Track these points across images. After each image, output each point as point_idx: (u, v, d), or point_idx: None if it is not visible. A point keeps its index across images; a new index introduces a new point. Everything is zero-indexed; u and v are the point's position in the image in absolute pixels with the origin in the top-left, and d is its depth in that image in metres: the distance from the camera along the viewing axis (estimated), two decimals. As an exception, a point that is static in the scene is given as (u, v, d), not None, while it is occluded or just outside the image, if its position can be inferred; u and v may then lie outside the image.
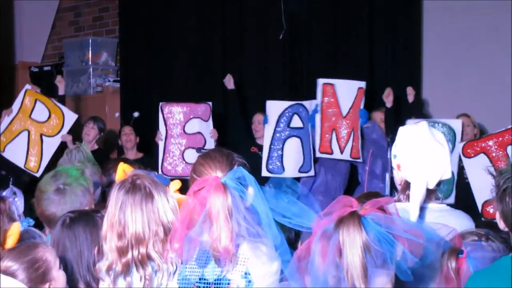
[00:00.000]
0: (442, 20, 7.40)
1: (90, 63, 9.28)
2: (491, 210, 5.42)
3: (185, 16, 8.71)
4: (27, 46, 9.93)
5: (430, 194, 2.81)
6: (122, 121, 7.81)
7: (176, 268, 2.48)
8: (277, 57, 8.15)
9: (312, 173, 6.61)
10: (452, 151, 5.07)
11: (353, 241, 2.10)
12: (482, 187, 5.48)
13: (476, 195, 5.62)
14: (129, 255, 2.47)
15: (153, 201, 2.50)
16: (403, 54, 7.53)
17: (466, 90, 7.20)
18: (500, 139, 5.71)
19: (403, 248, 2.13)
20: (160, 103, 6.96)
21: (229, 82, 7.17)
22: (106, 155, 7.23)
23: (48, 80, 9.49)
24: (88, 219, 2.86)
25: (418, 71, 7.48)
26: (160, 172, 6.59)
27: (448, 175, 2.75)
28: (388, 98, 6.56)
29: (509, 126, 5.77)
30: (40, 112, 6.87)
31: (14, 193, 4.43)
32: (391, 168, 2.96)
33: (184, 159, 6.82)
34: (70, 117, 6.92)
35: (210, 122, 6.97)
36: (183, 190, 2.63)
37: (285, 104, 6.70)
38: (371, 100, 7.48)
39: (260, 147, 6.87)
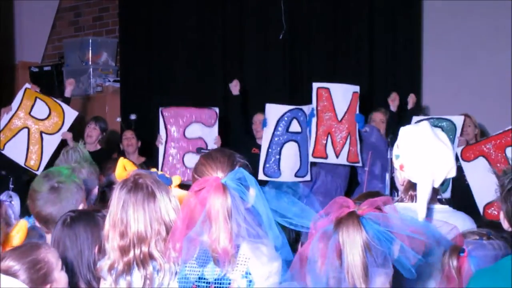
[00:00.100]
0: (442, 20, 7.41)
1: (90, 63, 9.28)
2: (494, 212, 5.43)
3: (185, 16, 8.71)
4: (27, 46, 9.93)
5: (433, 194, 2.81)
6: (124, 125, 7.78)
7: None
8: (277, 57, 8.15)
9: (308, 177, 6.61)
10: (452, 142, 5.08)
11: (353, 241, 2.10)
12: (483, 190, 5.50)
13: (477, 198, 5.63)
14: (131, 254, 2.47)
15: (155, 200, 2.50)
16: (403, 54, 7.54)
17: (466, 90, 7.21)
18: (498, 141, 5.72)
19: (404, 246, 2.14)
20: (160, 108, 6.93)
21: (235, 87, 7.15)
22: (109, 155, 7.22)
23: (48, 80, 9.50)
24: (89, 218, 2.86)
25: (418, 71, 7.49)
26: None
27: (453, 174, 2.75)
28: (393, 102, 6.57)
29: (506, 128, 5.78)
30: (40, 109, 6.87)
31: (10, 197, 4.42)
32: (392, 168, 2.96)
33: (184, 164, 6.80)
34: (70, 114, 6.92)
35: (215, 128, 6.91)
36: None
37: (284, 108, 6.70)
38: (371, 100, 7.49)
39: (260, 147, 6.88)
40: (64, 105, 6.97)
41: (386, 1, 7.64)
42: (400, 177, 2.84)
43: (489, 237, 2.41)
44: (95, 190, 3.51)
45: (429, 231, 2.29)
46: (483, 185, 5.54)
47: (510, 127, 5.76)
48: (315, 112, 6.46)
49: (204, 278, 2.42)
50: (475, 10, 7.20)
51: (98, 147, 7.27)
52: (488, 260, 2.30)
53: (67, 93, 7.29)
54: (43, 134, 6.83)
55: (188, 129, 6.88)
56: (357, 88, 6.46)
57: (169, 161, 6.83)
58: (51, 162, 6.40)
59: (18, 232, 2.78)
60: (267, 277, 2.37)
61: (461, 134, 6.20)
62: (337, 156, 6.39)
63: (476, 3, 7.18)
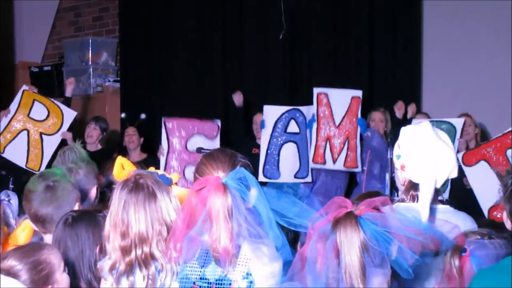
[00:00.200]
0: (442, 20, 7.41)
1: (90, 63, 9.28)
2: (498, 215, 5.44)
3: (185, 16, 8.71)
4: (27, 46, 9.93)
5: (434, 195, 2.81)
6: (127, 122, 7.78)
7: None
8: (277, 57, 8.14)
9: (309, 179, 6.61)
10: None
11: (350, 242, 2.11)
12: (487, 193, 5.51)
13: (481, 202, 5.63)
14: (133, 255, 2.47)
15: (156, 200, 2.50)
16: (403, 54, 7.54)
17: (466, 90, 7.21)
18: (499, 144, 5.73)
19: (402, 246, 2.14)
20: (163, 118, 6.90)
21: (238, 99, 7.16)
22: (110, 155, 7.22)
23: (48, 80, 9.50)
24: (90, 218, 2.86)
25: (418, 71, 7.49)
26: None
27: (455, 174, 2.76)
28: (399, 110, 6.59)
29: (506, 131, 5.79)
30: (39, 111, 6.87)
31: (8, 196, 4.41)
32: (392, 168, 2.96)
33: (184, 176, 6.79)
34: (69, 114, 6.92)
35: (217, 141, 6.89)
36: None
37: (282, 109, 6.72)
38: (371, 100, 7.49)
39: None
40: (62, 106, 6.97)
41: (386, 1, 7.64)
42: (401, 177, 2.84)
43: (490, 237, 2.41)
44: (93, 190, 3.50)
45: (428, 231, 2.29)
46: (487, 188, 5.54)
47: (509, 129, 5.77)
48: (315, 117, 6.48)
49: (205, 279, 2.42)
50: (475, 10, 7.20)
51: (99, 147, 7.26)
52: (490, 260, 2.30)
53: (68, 92, 7.29)
54: (43, 135, 6.83)
55: (190, 142, 6.85)
56: (358, 93, 6.47)
57: (170, 173, 6.81)
58: (51, 163, 6.40)
59: (24, 231, 2.78)
60: (268, 278, 2.37)
61: (462, 135, 6.21)
62: (334, 162, 6.40)
63: (476, 3, 7.18)
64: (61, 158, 3.55)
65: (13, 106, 6.87)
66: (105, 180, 4.07)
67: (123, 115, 8.07)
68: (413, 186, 2.77)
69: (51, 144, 6.78)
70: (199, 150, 6.63)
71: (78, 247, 2.78)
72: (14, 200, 4.00)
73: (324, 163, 6.43)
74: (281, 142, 6.67)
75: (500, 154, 5.70)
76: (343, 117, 6.44)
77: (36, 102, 6.88)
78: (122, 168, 2.71)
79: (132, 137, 7.36)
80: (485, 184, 5.59)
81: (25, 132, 6.82)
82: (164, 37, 8.88)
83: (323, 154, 6.44)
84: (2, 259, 2.39)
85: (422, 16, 7.51)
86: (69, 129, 6.88)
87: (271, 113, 6.72)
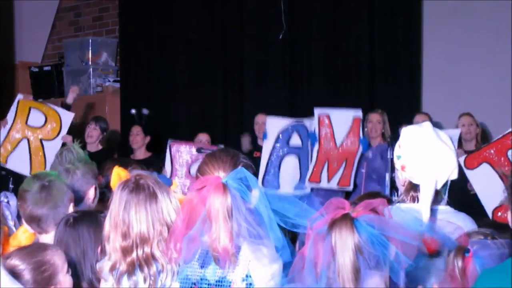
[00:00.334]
0: (442, 20, 7.41)
1: (90, 63, 9.28)
2: (503, 215, 5.46)
3: (185, 16, 8.72)
4: (27, 46, 9.94)
5: (434, 196, 2.81)
6: (137, 119, 7.77)
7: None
8: (277, 57, 8.15)
9: (308, 190, 6.61)
10: None
11: (345, 244, 2.11)
12: (490, 195, 5.51)
13: (485, 204, 5.63)
14: (134, 255, 2.47)
15: (157, 200, 2.50)
16: (403, 54, 7.54)
17: (466, 90, 7.21)
18: (500, 146, 5.74)
19: (397, 250, 2.14)
20: (169, 141, 6.84)
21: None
22: (110, 155, 7.22)
23: (48, 80, 9.51)
24: (91, 219, 2.86)
25: (418, 71, 7.49)
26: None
27: (455, 175, 2.75)
28: None
29: (506, 132, 5.79)
30: (36, 117, 6.83)
31: (7, 197, 4.40)
32: (392, 168, 2.96)
33: None
34: (67, 116, 6.89)
35: None
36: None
37: (285, 121, 6.71)
38: (371, 100, 7.50)
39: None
40: (59, 109, 6.94)
41: (386, 1, 7.65)
42: (401, 178, 2.84)
43: (493, 237, 2.41)
44: (91, 191, 3.48)
45: (427, 234, 2.29)
46: (490, 190, 5.55)
47: (510, 130, 5.77)
48: (317, 137, 6.46)
49: (206, 279, 2.42)
50: (475, 10, 7.20)
51: (100, 147, 7.25)
52: (493, 260, 2.30)
53: (69, 99, 7.27)
54: (43, 141, 6.80)
55: (194, 166, 6.80)
56: (359, 113, 6.46)
57: None
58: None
59: (25, 232, 2.77)
60: (267, 279, 2.36)
61: (463, 135, 6.23)
62: (328, 181, 6.40)
63: (476, 3, 7.18)
64: (59, 159, 3.53)
65: (10, 116, 6.83)
66: (104, 181, 4.05)
67: (133, 111, 8.02)
68: (413, 187, 2.77)
69: (52, 149, 6.75)
70: (199, 150, 6.62)
71: (80, 247, 2.78)
72: (13, 202, 3.99)
73: (319, 181, 6.43)
74: (283, 154, 6.68)
75: (501, 155, 5.70)
76: (344, 138, 6.42)
77: (32, 109, 6.85)
78: (119, 178, 2.70)
79: (136, 137, 7.35)
80: (488, 186, 5.60)
81: (25, 140, 6.79)
82: (164, 37, 8.89)
83: (319, 174, 6.44)
84: (6, 259, 2.39)
85: (422, 16, 7.51)
86: (69, 131, 6.86)
87: (274, 124, 6.72)
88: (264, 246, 2.37)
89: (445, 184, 2.78)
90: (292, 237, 2.67)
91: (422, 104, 7.41)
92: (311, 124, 6.63)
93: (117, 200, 2.50)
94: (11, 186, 6.49)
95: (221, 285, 2.39)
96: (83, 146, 4.00)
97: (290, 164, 6.65)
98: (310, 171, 6.48)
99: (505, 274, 2.16)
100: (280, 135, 6.69)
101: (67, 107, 7.12)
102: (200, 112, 8.62)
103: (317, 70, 7.95)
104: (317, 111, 6.56)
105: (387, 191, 5.42)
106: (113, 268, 2.50)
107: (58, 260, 2.47)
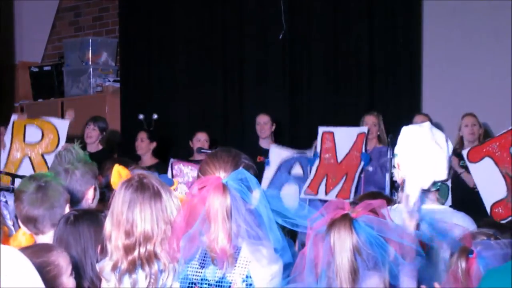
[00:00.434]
0: (442, 20, 7.41)
1: (90, 63, 9.28)
2: (501, 211, 5.47)
3: (185, 16, 8.72)
4: (27, 46, 9.94)
5: (431, 196, 2.81)
6: (145, 124, 7.76)
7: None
8: (277, 57, 8.15)
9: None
10: None
11: (343, 244, 2.12)
12: (490, 190, 5.54)
13: (484, 198, 5.64)
14: (136, 253, 2.47)
15: (162, 200, 2.50)
16: (403, 54, 7.54)
17: (466, 90, 7.21)
18: (503, 141, 5.74)
19: (394, 252, 2.15)
20: (172, 160, 6.82)
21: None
22: (111, 155, 7.21)
23: (48, 80, 9.51)
24: (92, 217, 2.86)
25: (418, 71, 7.49)
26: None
27: (442, 177, 2.75)
28: None
29: (510, 127, 5.81)
30: (32, 133, 6.79)
31: (5, 197, 4.40)
32: (392, 168, 2.96)
33: None
34: (62, 125, 6.85)
35: None
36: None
37: (288, 152, 6.71)
38: (372, 100, 7.51)
39: (266, 152, 6.89)
40: (52, 119, 6.90)
41: (386, 1, 7.65)
42: (398, 176, 2.86)
43: (496, 237, 2.41)
44: (91, 191, 3.47)
45: (424, 236, 2.30)
46: (490, 184, 5.59)
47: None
48: (318, 154, 6.45)
49: (206, 280, 2.41)
50: (475, 10, 7.20)
51: (100, 147, 7.23)
52: (497, 260, 2.30)
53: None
54: (45, 155, 6.77)
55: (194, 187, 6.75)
56: (364, 129, 6.43)
57: None
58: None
59: (25, 234, 2.76)
60: (267, 280, 2.36)
61: (466, 136, 6.29)
62: (326, 194, 6.37)
63: (476, 3, 7.18)
64: (58, 160, 3.53)
65: (7, 138, 6.80)
66: (104, 181, 4.05)
67: (141, 116, 8.00)
68: None
69: None
70: (199, 150, 6.62)
71: (81, 246, 2.78)
72: (11, 201, 3.98)
73: (316, 194, 6.40)
74: (283, 181, 6.68)
75: (504, 150, 5.71)
76: (347, 154, 6.39)
77: (27, 126, 6.83)
78: (120, 176, 2.70)
79: (141, 143, 7.32)
80: (488, 181, 5.63)
81: (27, 158, 6.77)
82: (164, 37, 8.89)
83: (317, 186, 6.42)
84: None
85: (422, 16, 7.51)
86: (69, 131, 6.84)
87: (277, 153, 6.72)
88: (263, 247, 2.37)
89: (435, 184, 2.78)
90: (291, 236, 2.67)
91: (422, 104, 7.42)
92: (312, 153, 6.61)
93: (120, 199, 2.49)
94: (11, 186, 6.47)
95: (221, 286, 2.39)
96: (84, 147, 3.98)
97: (290, 191, 6.64)
98: (307, 183, 6.44)
99: (509, 274, 2.15)
100: (282, 164, 6.68)
101: None
102: (200, 112, 8.62)
103: (317, 70, 7.95)
104: (321, 129, 6.51)
105: (387, 191, 5.42)
106: (114, 267, 2.49)
107: (62, 261, 2.47)
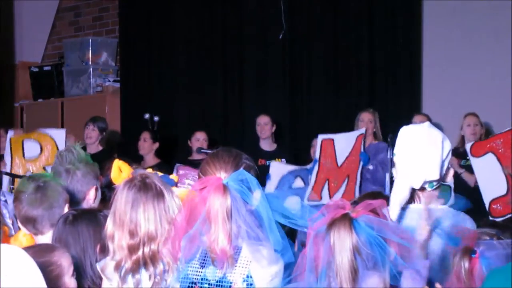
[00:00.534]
0: (442, 20, 7.41)
1: (90, 63, 9.28)
2: (499, 208, 5.47)
3: (185, 16, 8.72)
4: (27, 46, 9.94)
5: (429, 195, 2.81)
6: (149, 123, 7.76)
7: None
8: (277, 57, 8.15)
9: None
10: None
11: (343, 244, 2.12)
12: (490, 185, 5.54)
13: (484, 193, 5.65)
14: (140, 253, 2.47)
15: (164, 200, 2.50)
16: (403, 54, 7.54)
17: (466, 90, 7.21)
18: (509, 137, 5.75)
19: (394, 252, 2.15)
20: (177, 165, 6.80)
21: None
22: (111, 155, 7.20)
23: (48, 80, 9.50)
24: (91, 217, 2.87)
25: (418, 71, 7.49)
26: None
27: (434, 176, 2.74)
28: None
29: None
30: (31, 148, 6.75)
31: (4, 196, 4.40)
32: (392, 167, 2.97)
33: None
34: (59, 135, 6.82)
35: None
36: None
37: (289, 167, 6.70)
38: (372, 101, 7.51)
39: (266, 154, 6.88)
40: (48, 130, 6.88)
41: (386, 1, 7.65)
42: (396, 176, 2.86)
43: (499, 237, 2.42)
44: (92, 191, 3.47)
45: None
46: (490, 180, 5.60)
47: None
48: (318, 161, 6.43)
49: (206, 279, 2.41)
50: (475, 10, 7.20)
51: (100, 148, 7.23)
52: (500, 259, 2.31)
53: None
54: (46, 168, 6.77)
55: None
56: (362, 131, 6.41)
57: None
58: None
59: (26, 235, 2.76)
60: (268, 281, 2.36)
61: (468, 136, 6.29)
62: (330, 198, 6.35)
63: (476, 3, 7.18)
64: (59, 160, 3.52)
65: (6, 157, 6.78)
66: (104, 181, 4.05)
67: (146, 115, 8.00)
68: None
69: None
70: (199, 150, 6.62)
71: (80, 245, 2.78)
72: (10, 200, 3.99)
73: (320, 199, 6.39)
74: (285, 195, 6.63)
75: (507, 148, 5.71)
76: (346, 157, 6.36)
77: (25, 141, 6.81)
78: (120, 171, 2.70)
79: (143, 143, 7.34)
80: (489, 177, 5.63)
81: (30, 174, 6.76)
82: (164, 37, 8.89)
83: (320, 192, 6.40)
84: None
85: (422, 16, 7.51)
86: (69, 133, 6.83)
87: (278, 169, 6.70)
88: (263, 248, 2.37)
89: (431, 184, 2.77)
90: (291, 236, 2.67)
91: (422, 104, 7.42)
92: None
93: (123, 199, 2.49)
94: (11, 186, 6.48)
95: (221, 285, 2.39)
96: (84, 148, 3.98)
97: (292, 202, 6.61)
98: (309, 190, 6.42)
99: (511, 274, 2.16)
100: (283, 179, 6.67)
101: None
102: (200, 112, 8.62)
103: (317, 70, 7.95)
104: (321, 136, 6.48)
105: (387, 191, 5.42)
106: (118, 267, 2.49)
107: (65, 261, 2.47)
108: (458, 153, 6.21)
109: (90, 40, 9.35)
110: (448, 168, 2.82)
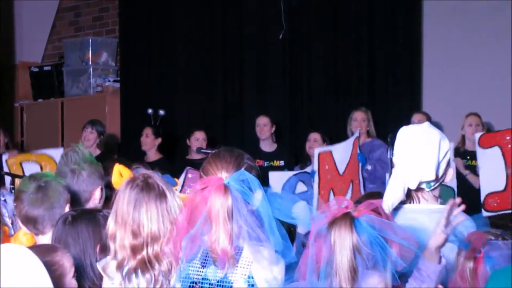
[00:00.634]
0: (442, 20, 7.41)
1: (90, 63, 9.28)
2: (494, 203, 5.47)
3: (185, 16, 8.72)
4: (27, 46, 9.94)
5: (428, 195, 2.81)
6: (153, 119, 7.77)
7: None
8: (277, 57, 8.15)
9: None
10: None
11: (343, 242, 2.13)
12: (490, 179, 5.55)
13: (482, 186, 5.66)
14: (144, 252, 2.47)
15: (167, 200, 2.51)
16: (403, 54, 7.54)
17: (466, 90, 7.21)
18: None
19: (394, 252, 2.15)
20: (187, 168, 6.78)
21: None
22: (109, 158, 7.19)
23: (48, 80, 9.50)
24: (90, 217, 2.86)
25: (418, 71, 7.49)
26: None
27: (430, 177, 2.74)
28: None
29: None
30: (30, 169, 6.73)
31: (3, 196, 4.40)
32: (392, 168, 2.97)
33: None
34: (57, 153, 6.81)
35: None
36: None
37: (288, 174, 6.68)
38: (372, 101, 7.50)
39: (265, 155, 6.87)
40: (45, 151, 6.86)
41: (386, 1, 7.65)
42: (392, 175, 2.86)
43: (504, 238, 2.42)
44: (97, 191, 3.47)
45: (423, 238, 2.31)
46: (491, 174, 5.61)
47: None
48: (317, 174, 6.39)
49: (207, 279, 2.41)
50: (475, 10, 7.20)
51: (98, 151, 7.17)
52: (505, 260, 2.31)
53: None
54: None
55: None
56: (356, 134, 6.38)
57: None
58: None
59: (26, 235, 2.76)
60: (269, 281, 2.36)
61: (469, 135, 6.31)
62: None
63: (476, 3, 7.19)
64: (64, 160, 3.52)
65: (7, 180, 6.78)
66: (104, 181, 4.05)
67: (149, 111, 7.98)
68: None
69: None
70: (199, 150, 6.61)
71: (79, 245, 2.78)
72: (10, 200, 3.98)
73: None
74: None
75: None
76: (347, 164, 6.33)
77: (23, 164, 6.79)
78: (120, 175, 2.70)
79: (146, 139, 7.36)
80: (491, 170, 5.65)
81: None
82: (164, 37, 8.89)
83: (327, 201, 6.37)
84: None
85: (422, 16, 7.51)
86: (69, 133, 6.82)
87: (277, 179, 6.68)
88: (264, 248, 2.37)
89: (428, 184, 2.77)
90: (291, 237, 2.67)
91: (422, 104, 7.42)
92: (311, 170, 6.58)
93: (126, 199, 2.49)
94: (10, 186, 6.47)
95: (222, 285, 2.39)
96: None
97: (301, 206, 6.59)
98: (315, 202, 6.37)
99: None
100: (285, 187, 6.65)
101: None
102: (200, 112, 8.62)
103: (317, 70, 7.95)
104: (317, 150, 6.42)
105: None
106: (120, 266, 2.49)
107: (67, 262, 2.48)
108: (458, 153, 6.21)
109: (90, 40, 9.35)
110: (447, 168, 2.82)
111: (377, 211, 2.20)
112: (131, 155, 7.38)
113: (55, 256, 2.46)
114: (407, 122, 6.20)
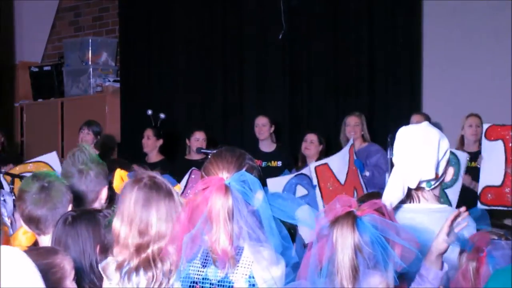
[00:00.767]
0: (442, 20, 7.41)
1: (90, 63, 9.29)
2: (490, 197, 5.49)
3: (185, 16, 8.72)
4: (27, 46, 9.94)
5: (427, 194, 2.81)
6: (153, 120, 7.77)
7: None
8: (277, 57, 8.15)
9: None
10: (455, 180, 4.96)
11: (345, 241, 2.13)
12: (490, 172, 5.57)
13: (482, 178, 5.67)
14: (149, 251, 2.47)
15: (174, 198, 2.51)
16: (403, 54, 7.54)
17: (466, 90, 7.21)
18: None
19: (394, 253, 2.15)
20: (192, 168, 6.77)
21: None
22: (106, 159, 7.17)
23: (48, 80, 9.51)
24: (90, 217, 2.86)
25: (418, 71, 7.49)
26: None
27: (430, 176, 2.74)
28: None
29: None
30: None
31: (3, 196, 4.39)
32: (392, 168, 2.97)
33: None
34: (52, 158, 6.79)
35: None
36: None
37: (285, 178, 6.64)
38: (373, 101, 7.50)
39: (264, 156, 6.86)
40: (41, 158, 6.85)
41: (386, 1, 7.65)
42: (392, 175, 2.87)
43: (506, 237, 2.43)
44: (104, 191, 3.48)
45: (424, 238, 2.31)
46: (491, 167, 5.62)
47: None
48: (318, 187, 6.35)
49: (207, 279, 2.41)
50: (475, 10, 7.20)
51: (95, 152, 7.16)
52: (507, 259, 2.31)
53: None
54: None
55: None
56: (351, 141, 6.34)
57: None
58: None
59: (26, 234, 2.76)
60: (269, 282, 2.36)
61: (468, 136, 6.29)
62: None
63: (476, 3, 7.19)
64: (71, 160, 3.51)
65: (6, 189, 6.76)
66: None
67: (149, 112, 7.98)
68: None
69: None
70: (199, 150, 6.60)
71: (79, 246, 2.78)
72: (9, 200, 3.98)
73: None
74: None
75: None
76: (347, 173, 6.31)
77: (23, 175, 6.78)
78: (122, 180, 2.70)
79: (147, 141, 7.36)
80: (492, 163, 5.66)
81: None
82: (164, 37, 8.90)
83: None
84: None
85: (422, 16, 7.51)
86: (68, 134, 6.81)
87: (275, 185, 6.65)
88: (264, 249, 2.37)
89: (428, 183, 2.78)
90: (291, 237, 2.68)
91: (422, 104, 7.42)
92: (310, 172, 6.56)
93: (133, 198, 2.48)
94: (10, 186, 6.47)
95: (223, 285, 2.39)
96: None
97: (304, 210, 6.57)
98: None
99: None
100: (284, 191, 6.63)
101: None
102: (200, 112, 8.63)
103: (317, 70, 7.95)
104: (313, 164, 6.37)
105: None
106: (120, 266, 2.49)
107: (67, 265, 2.48)
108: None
109: (90, 40, 9.35)
110: (447, 167, 2.82)
111: (381, 211, 2.20)
112: (131, 155, 7.38)
113: (55, 258, 2.46)
114: (407, 122, 6.20)
